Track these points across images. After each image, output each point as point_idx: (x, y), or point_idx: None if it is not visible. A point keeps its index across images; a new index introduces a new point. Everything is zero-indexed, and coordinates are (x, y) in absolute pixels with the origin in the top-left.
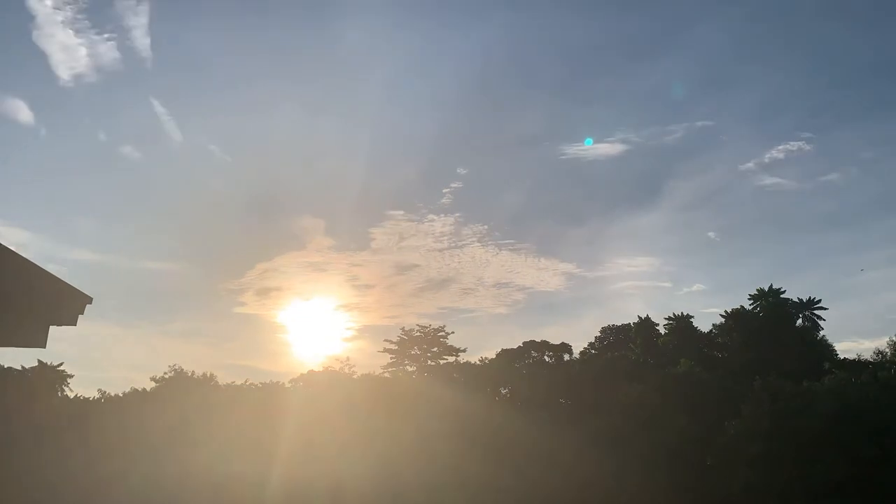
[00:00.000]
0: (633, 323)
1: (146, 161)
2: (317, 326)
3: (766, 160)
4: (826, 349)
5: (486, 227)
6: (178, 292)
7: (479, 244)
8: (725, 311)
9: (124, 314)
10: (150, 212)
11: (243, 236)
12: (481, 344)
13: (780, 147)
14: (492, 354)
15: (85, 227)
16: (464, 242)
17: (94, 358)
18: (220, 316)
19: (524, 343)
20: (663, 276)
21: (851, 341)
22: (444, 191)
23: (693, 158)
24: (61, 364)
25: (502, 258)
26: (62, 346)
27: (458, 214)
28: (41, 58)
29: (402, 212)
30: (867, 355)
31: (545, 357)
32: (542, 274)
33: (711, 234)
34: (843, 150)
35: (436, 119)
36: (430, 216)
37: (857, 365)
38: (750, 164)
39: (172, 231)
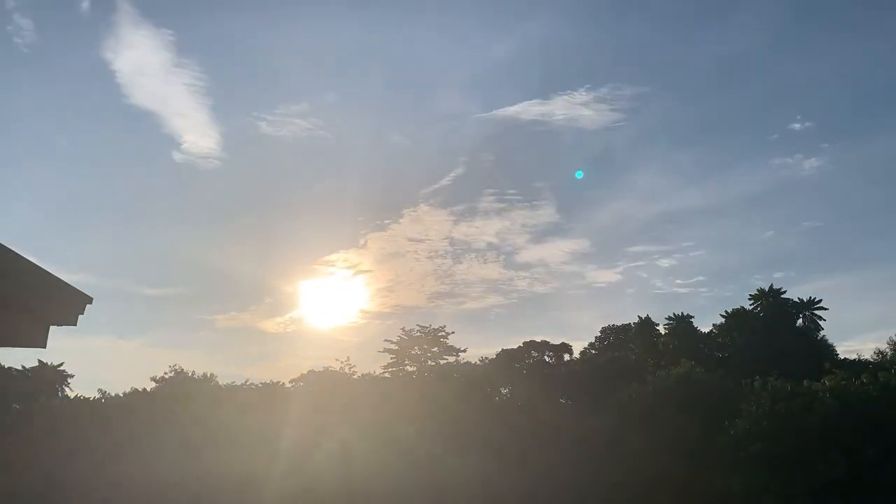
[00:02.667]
0: (634, 323)
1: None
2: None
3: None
4: (826, 349)
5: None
6: (174, 312)
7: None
8: (726, 311)
9: (120, 328)
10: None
11: (239, 252)
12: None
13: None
14: (491, 354)
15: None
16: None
17: (90, 366)
18: (215, 325)
19: (524, 343)
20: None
21: (852, 338)
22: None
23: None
24: (62, 364)
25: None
26: (63, 356)
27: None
28: None
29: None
30: (867, 355)
31: (545, 357)
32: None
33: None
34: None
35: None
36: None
37: (857, 365)
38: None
39: (170, 256)
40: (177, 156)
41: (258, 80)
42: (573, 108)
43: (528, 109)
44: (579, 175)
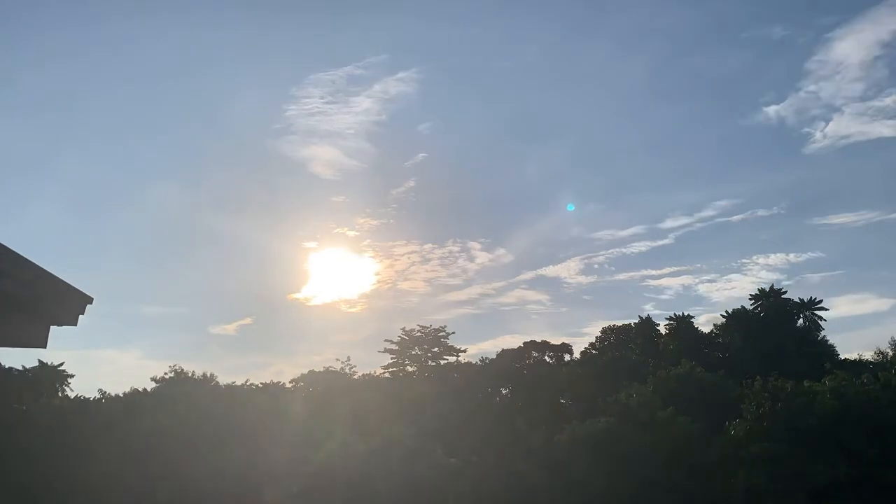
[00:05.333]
0: (634, 323)
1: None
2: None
3: None
4: (827, 349)
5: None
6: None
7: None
8: (726, 311)
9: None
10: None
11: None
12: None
13: None
14: (492, 354)
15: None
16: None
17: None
18: (212, 332)
19: (524, 343)
20: None
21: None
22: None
23: None
24: (62, 364)
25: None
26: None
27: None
28: None
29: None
30: (867, 355)
31: (546, 357)
32: None
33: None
34: None
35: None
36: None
37: (857, 365)
38: None
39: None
40: None
41: None
42: None
43: None
44: (570, 208)
